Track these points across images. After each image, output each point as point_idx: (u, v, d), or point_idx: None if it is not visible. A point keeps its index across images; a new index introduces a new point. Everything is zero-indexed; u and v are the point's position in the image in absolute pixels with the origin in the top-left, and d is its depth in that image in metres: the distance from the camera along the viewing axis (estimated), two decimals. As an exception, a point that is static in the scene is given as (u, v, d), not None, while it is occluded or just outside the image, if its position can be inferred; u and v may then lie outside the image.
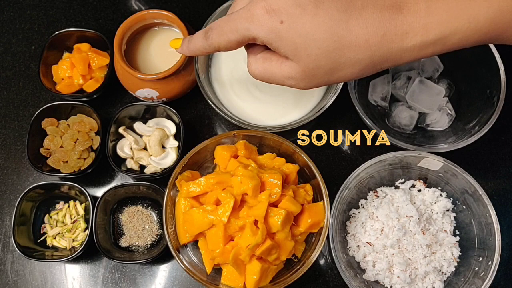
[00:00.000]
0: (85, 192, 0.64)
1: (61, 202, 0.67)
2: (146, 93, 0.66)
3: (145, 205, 0.67)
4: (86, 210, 0.67)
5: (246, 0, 0.42)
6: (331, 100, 0.61)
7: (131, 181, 0.68)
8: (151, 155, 0.67)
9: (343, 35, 0.37)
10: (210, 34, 0.43)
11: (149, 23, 0.69)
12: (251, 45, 0.44)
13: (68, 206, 0.67)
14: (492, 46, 0.62)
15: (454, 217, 0.64)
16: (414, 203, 0.63)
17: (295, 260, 0.61)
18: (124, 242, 0.65)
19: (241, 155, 0.62)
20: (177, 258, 0.57)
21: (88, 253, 0.65)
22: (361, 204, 0.65)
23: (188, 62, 0.66)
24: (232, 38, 0.41)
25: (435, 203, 0.63)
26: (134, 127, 0.69)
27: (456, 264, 0.61)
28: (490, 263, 0.57)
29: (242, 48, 0.68)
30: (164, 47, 0.70)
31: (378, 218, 0.61)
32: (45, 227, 0.66)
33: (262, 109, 0.65)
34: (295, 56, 0.39)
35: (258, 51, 0.44)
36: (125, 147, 0.67)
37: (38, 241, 0.65)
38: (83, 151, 0.67)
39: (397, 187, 0.66)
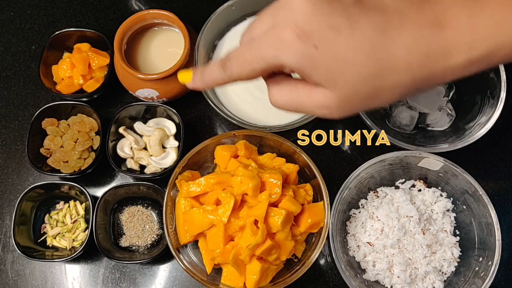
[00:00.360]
0: (85, 192, 0.64)
1: (61, 202, 0.67)
2: (146, 93, 0.66)
3: (145, 205, 0.67)
4: (86, 210, 0.67)
5: (267, 23, 0.36)
6: (331, 100, 0.61)
7: (131, 181, 0.68)
8: (151, 155, 0.67)
9: (382, 58, 0.33)
10: (229, 64, 0.38)
11: (149, 23, 0.69)
12: (271, 73, 0.40)
13: (68, 206, 0.67)
14: None
15: (454, 217, 0.64)
16: (414, 203, 0.63)
17: (295, 260, 0.61)
18: (124, 242, 0.65)
19: (241, 155, 0.62)
20: (177, 258, 0.57)
21: (88, 253, 0.65)
22: (361, 204, 0.65)
23: (188, 62, 0.66)
24: (257, 67, 0.36)
25: (435, 203, 0.63)
26: (134, 127, 0.69)
27: (456, 264, 0.61)
28: (490, 263, 0.57)
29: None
30: (164, 47, 0.70)
31: (378, 218, 0.61)
32: (45, 227, 0.66)
33: (262, 109, 0.65)
34: (330, 83, 0.35)
35: (280, 79, 0.39)
36: (125, 147, 0.67)
37: (38, 241, 0.65)
38: (83, 151, 0.67)
39: (397, 187, 0.66)
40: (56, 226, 0.66)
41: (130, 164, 0.67)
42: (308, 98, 0.37)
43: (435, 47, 0.33)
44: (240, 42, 0.39)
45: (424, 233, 0.60)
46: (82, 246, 0.61)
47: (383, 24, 0.33)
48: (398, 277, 0.60)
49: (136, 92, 0.67)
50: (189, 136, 0.68)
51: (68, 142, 0.67)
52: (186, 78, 0.43)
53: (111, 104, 0.73)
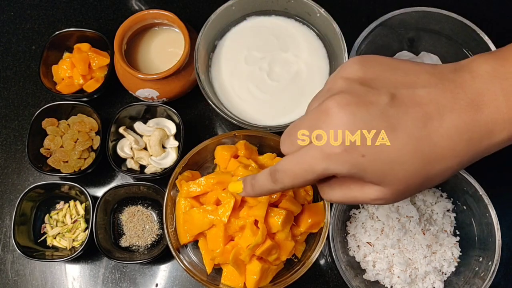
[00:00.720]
0: (85, 192, 0.64)
1: (61, 202, 0.67)
2: (146, 93, 0.66)
3: (145, 205, 0.67)
4: (86, 210, 0.67)
5: (308, 132, 0.39)
6: (331, 100, 0.61)
7: (131, 181, 0.68)
8: (151, 155, 0.67)
9: (428, 151, 0.34)
10: (279, 177, 0.39)
11: (150, 23, 0.69)
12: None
13: (69, 206, 0.67)
14: (492, 46, 0.62)
15: (455, 217, 0.64)
16: (415, 203, 0.63)
17: (295, 260, 0.61)
18: (124, 242, 0.65)
19: (241, 155, 0.62)
20: (177, 258, 0.57)
21: (88, 253, 0.65)
22: (361, 204, 0.65)
23: (189, 62, 0.66)
24: (309, 178, 0.38)
25: (435, 203, 0.63)
26: (134, 127, 0.69)
27: (456, 264, 0.61)
28: (490, 263, 0.57)
29: (242, 49, 0.68)
30: (164, 47, 0.70)
31: (379, 218, 0.61)
32: (45, 227, 0.66)
33: (262, 109, 0.65)
34: (382, 182, 0.36)
35: (330, 180, 0.41)
36: (125, 147, 0.67)
37: (38, 241, 0.65)
38: (83, 151, 0.67)
39: (397, 187, 0.65)
40: (56, 226, 0.66)
41: (130, 164, 0.67)
42: (361, 194, 0.38)
43: (477, 130, 0.34)
44: (281, 149, 0.40)
45: (424, 233, 0.60)
46: (82, 246, 0.61)
47: (422, 118, 0.34)
48: (398, 277, 0.60)
49: (136, 92, 0.67)
50: (189, 136, 0.68)
51: (68, 142, 0.67)
52: (237, 188, 0.45)
53: (111, 104, 0.73)
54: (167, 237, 0.58)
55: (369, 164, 0.35)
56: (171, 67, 0.64)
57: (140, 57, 0.69)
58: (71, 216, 0.66)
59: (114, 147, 0.67)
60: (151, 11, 0.67)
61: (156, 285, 0.65)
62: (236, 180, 0.45)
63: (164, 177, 0.64)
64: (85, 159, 0.67)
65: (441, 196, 0.64)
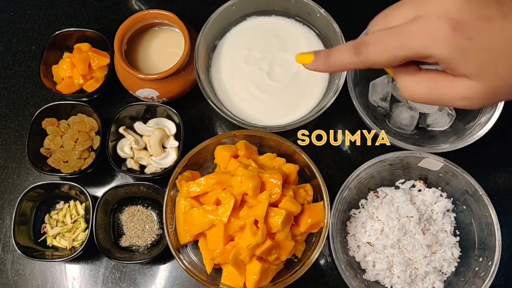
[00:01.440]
0: (85, 192, 0.64)
1: (61, 202, 0.67)
2: (146, 93, 0.66)
3: (145, 205, 0.67)
4: (86, 210, 0.67)
5: (409, 14, 0.35)
6: (331, 100, 0.61)
7: (131, 181, 0.68)
8: (151, 155, 0.67)
9: None
10: (364, 49, 0.37)
11: (150, 23, 0.69)
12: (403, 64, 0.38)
13: (69, 206, 0.67)
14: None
15: (454, 217, 0.64)
16: (414, 203, 0.63)
17: (295, 260, 0.61)
18: (124, 242, 0.65)
19: (241, 155, 0.62)
20: (177, 258, 0.57)
21: (88, 253, 0.65)
22: (361, 204, 0.65)
23: (189, 62, 0.66)
24: (400, 55, 0.35)
25: (435, 203, 0.63)
26: (134, 127, 0.69)
27: (456, 264, 0.61)
28: (490, 263, 0.57)
29: (242, 49, 0.68)
30: (164, 47, 0.70)
31: (378, 218, 0.61)
32: (45, 227, 0.66)
33: (262, 109, 0.65)
34: (480, 75, 0.34)
35: (415, 71, 0.38)
36: (125, 147, 0.67)
37: (38, 241, 0.65)
38: (83, 151, 0.67)
39: (397, 187, 0.66)
40: (56, 226, 0.66)
41: (130, 164, 0.67)
42: (449, 89, 0.36)
43: None
44: (370, 30, 0.38)
45: (424, 233, 0.60)
46: (82, 246, 0.61)
47: None
48: (398, 277, 0.60)
49: (136, 92, 0.67)
50: (189, 136, 0.68)
51: (68, 142, 0.67)
52: (306, 59, 0.41)
53: (111, 104, 0.73)
54: (167, 237, 0.58)
55: (473, 49, 0.33)
56: (171, 67, 0.64)
57: (140, 57, 0.70)
58: (71, 216, 0.66)
59: (114, 147, 0.67)
60: (151, 11, 0.67)
61: None
62: (306, 52, 0.41)
63: (164, 177, 0.64)
64: (85, 159, 0.67)
65: (441, 196, 0.64)
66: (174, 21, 0.66)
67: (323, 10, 0.65)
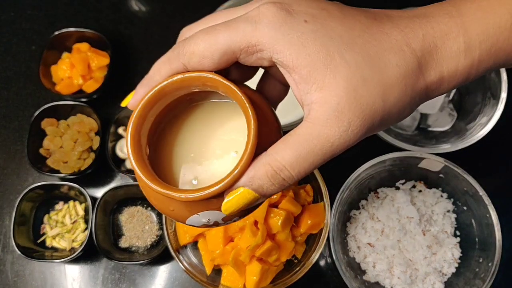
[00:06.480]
0: (85, 192, 0.64)
1: (61, 203, 0.67)
2: (203, 219, 0.31)
3: (145, 205, 0.67)
4: (86, 210, 0.66)
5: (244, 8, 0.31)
6: (331, 100, 0.61)
7: (131, 181, 0.68)
8: (151, 156, 0.66)
9: (381, 38, 0.29)
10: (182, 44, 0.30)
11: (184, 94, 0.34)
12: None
13: (68, 207, 0.67)
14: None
15: (455, 218, 0.63)
16: (415, 204, 0.63)
17: (296, 261, 0.60)
18: (124, 243, 0.65)
19: (241, 155, 0.62)
20: (177, 259, 0.57)
21: (87, 254, 0.65)
22: (362, 205, 0.64)
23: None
24: (216, 48, 0.29)
25: (435, 204, 0.63)
26: (134, 128, 0.68)
27: (456, 265, 0.61)
28: (490, 264, 0.57)
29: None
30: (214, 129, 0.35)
31: (379, 219, 0.61)
32: (44, 228, 0.66)
33: (262, 110, 0.65)
34: (328, 67, 0.28)
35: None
36: (124, 148, 0.67)
37: (38, 241, 0.65)
38: (83, 152, 0.67)
39: (397, 188, 0.65)
40: (56, 226, 0.66)
41: (130, 164, 0.67)
42: (310, 130, 0.29)
43: (430, 30, 0.30)
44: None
45: (424, 234, 0.60)
46: (82, 247, 0.61)
47: (372, 14, 0.31)
48: (398, 278, 0.59)
49: (187, 221, 0.32)
50: (189, 137, 0.68)
51: (68, 143, 0.67)
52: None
53: (111, 105, 0.72)
54: (166, 238, 0.58)
55: (311, 33, 0.28)
56: (230, 176, 0.29)
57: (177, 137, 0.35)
58: (70, 216, 0.66)
59: (114, 147, 0.67)
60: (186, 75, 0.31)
61: None
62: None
63: (164, 177, 0.64)
64: (84, 159, 0.67)
65: (441, 196, 0.64)
66: (228, 90, 0.30)
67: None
